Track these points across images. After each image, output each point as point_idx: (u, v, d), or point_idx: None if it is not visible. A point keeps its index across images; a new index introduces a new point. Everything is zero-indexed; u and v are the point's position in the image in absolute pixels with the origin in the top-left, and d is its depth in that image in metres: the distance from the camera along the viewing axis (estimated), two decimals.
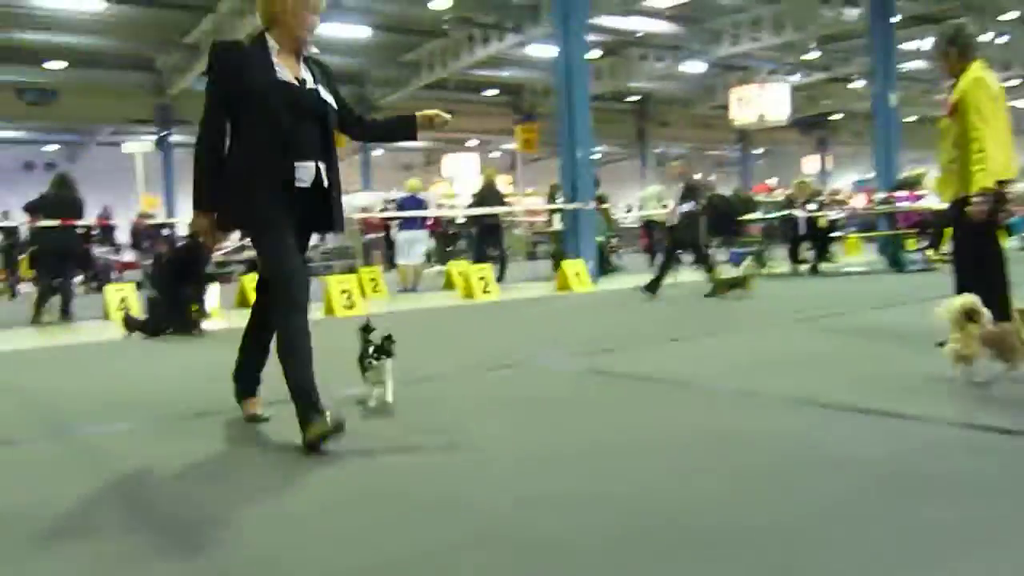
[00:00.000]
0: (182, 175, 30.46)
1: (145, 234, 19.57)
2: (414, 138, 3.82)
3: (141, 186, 25.19)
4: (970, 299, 3.92)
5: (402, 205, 13.46)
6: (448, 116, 3.77)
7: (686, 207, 10.11)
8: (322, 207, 3.51)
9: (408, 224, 13.17)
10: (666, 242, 11.33)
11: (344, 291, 9.65)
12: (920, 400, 3.69)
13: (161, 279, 8.40)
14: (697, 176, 10.35)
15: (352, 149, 29.20)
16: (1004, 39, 25.77)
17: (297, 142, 3.35)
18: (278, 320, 3.41)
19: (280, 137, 3.31)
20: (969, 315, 3.85)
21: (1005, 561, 1.98)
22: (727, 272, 10.75)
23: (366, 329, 4.08)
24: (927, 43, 25.57)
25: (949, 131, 4.78)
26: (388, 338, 3.97)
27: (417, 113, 3.78)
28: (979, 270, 4.69)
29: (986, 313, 3.86)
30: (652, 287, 9.85)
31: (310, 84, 3.46)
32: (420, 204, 13.34)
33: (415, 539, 2.31)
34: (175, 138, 27.85)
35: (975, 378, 3.89)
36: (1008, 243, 18.86)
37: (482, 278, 11.17)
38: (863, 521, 2.26)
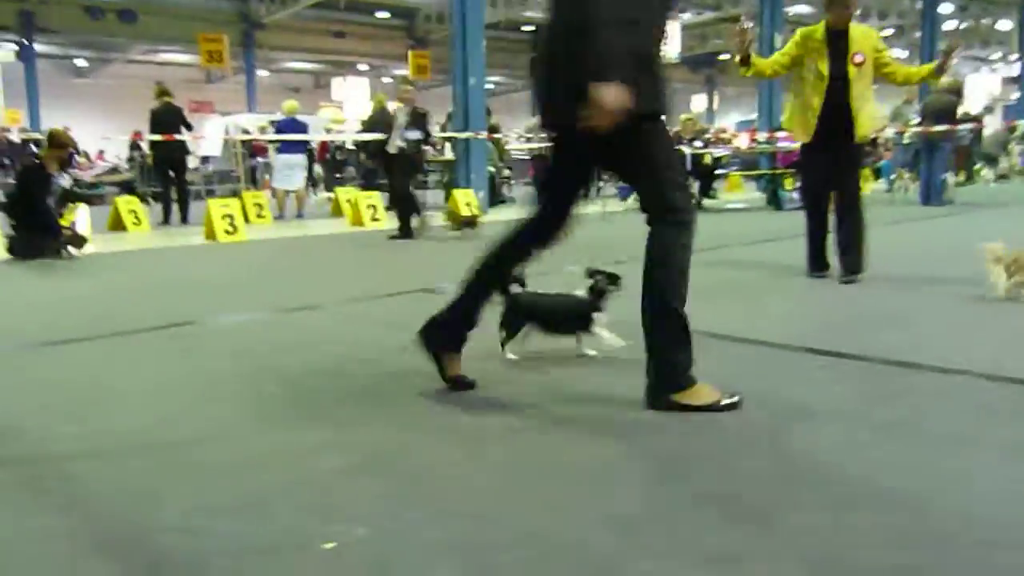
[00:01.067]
0: (47, 88, 28.48)
1: (4, 151, 18.26)
2: None
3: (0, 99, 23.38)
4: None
5: (280, 128, 12.94)
6: None
7: (410, 135, 9.08)
8: None
9: (286, 148, 12.71)
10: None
11: (226, 215, 9.32)
12: (769, 327, 3.88)
13: (14, 200, 7.91)
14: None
15: (235, 69, 27.86)
16: None
17: None
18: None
19: None
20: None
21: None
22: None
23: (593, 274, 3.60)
24: None
25: (859, 79, 5.13)
26: (612, 278, 3.56)
27: None
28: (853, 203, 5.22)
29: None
30: (403, 232, 9.04)
31: None
32: (300, 127, 12.87)
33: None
34: (39, 47, 25.86)
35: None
36: (876, 184, 19.88)
37: (371, 205, 10.98)
38: (742, 440, 2.38)
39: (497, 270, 3.05)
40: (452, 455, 2.36)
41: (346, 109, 27.74)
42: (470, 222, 9.14)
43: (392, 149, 9.13)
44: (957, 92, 12.87)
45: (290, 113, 12.80)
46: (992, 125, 20.00)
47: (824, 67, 5.15)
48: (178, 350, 3.88)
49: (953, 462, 2.21)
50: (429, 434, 2.54)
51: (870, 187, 18.94)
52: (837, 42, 5.14)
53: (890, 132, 15.73)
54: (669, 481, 2.15)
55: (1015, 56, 29.24)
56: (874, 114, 5.37)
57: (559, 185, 2.91)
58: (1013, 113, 24.51)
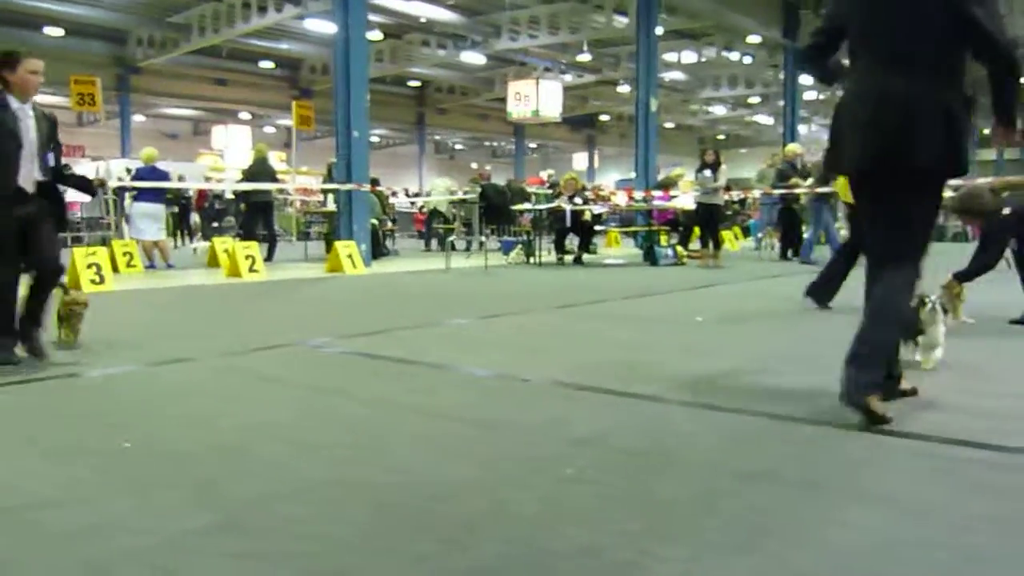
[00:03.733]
0: None
1: None
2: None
3: None
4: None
5: (139, 175, 12.29)
6: None
7: None
8: None
9: (144, 196, 12.15)
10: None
11: (92, 264, 8.89)
12: (653, 383, 3.99)
13: None
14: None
15: (109, 113, 26.86)
16: (748, 60, 28.40)
17: None
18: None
19: None
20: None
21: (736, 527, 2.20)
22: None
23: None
24: (685, 56, 27.69)
25: None
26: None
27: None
28: None
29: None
30: None
31: None
32: (159, 175, 12.35)
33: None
34: None
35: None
36: (745, 242, 20.78)
37: (249, 256, 10.71)
38: (608, 494, 2.42)
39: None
40: (310, 511, 2.30)
41: (227, 157, 27.15)
42: None
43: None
44: (797, 158, 13.90)
45: (148, 161, 12.22)
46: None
47: None
48: (38, 406, 3.65)
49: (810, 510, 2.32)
50: (292, 488, 2.47)
51: (739, 244, 19.90)
52: None
53: (756, 194, 16.60)
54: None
55: None
56: None
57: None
58: None
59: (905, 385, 3.50)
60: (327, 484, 2.54)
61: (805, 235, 13.29)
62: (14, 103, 4.49)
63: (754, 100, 34.84)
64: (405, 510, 2.32)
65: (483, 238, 13.73)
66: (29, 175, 4.49)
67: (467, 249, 15.99)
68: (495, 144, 49.37)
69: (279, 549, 2.05)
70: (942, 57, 3.06)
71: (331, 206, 13.79)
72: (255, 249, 10.99)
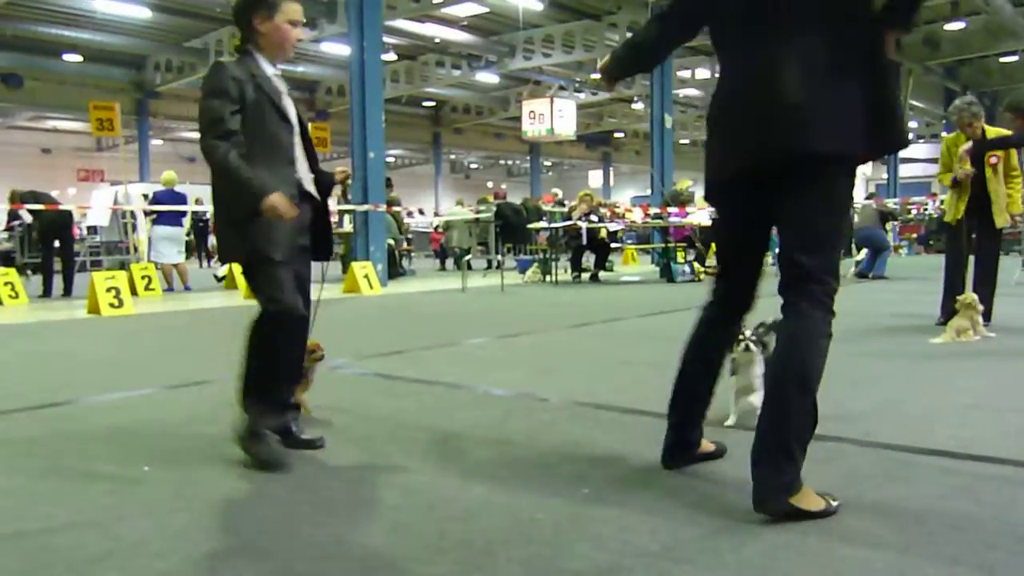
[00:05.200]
0: None
1: None
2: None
3: None
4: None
5: (157, 199, 12.41)
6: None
7: None
8: None
9: (163, 219, 12.29)
10: None
11: (111, 288, 8.96)
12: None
13: None
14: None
15: (128, 137, 27.21)
16: None
17: None
18: None
19: None
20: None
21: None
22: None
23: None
24: (700, 72, 27.75)
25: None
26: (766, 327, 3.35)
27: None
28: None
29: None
30: None
31: None
32: (178, 199, 12.49)
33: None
34: None
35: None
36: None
37: None
38: (626, 515, 2.40)
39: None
40: (329, 532, 2.29)
41: None
42: None
43: None
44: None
45: (168, 184, 12.38)
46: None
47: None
48: (51, 432, 3.67)
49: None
50: (310, 509, 2.47)
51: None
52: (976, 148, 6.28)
53: None
54: None
55: None
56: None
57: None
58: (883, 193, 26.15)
59: (708, 446, 2.91)
60: (345, 505, 2.54)
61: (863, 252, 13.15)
62: (267, 67, 3.20)
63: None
64: (421, 531, 2.31)
65: (499, 257, 13.74)
66: (305, 171, 3.25)
67: (487, 268, 15.99)
68: (511, 163, 49.56)
69: (297, 571, 2.04)
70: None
71: (347, 227, 13.86)
72: None
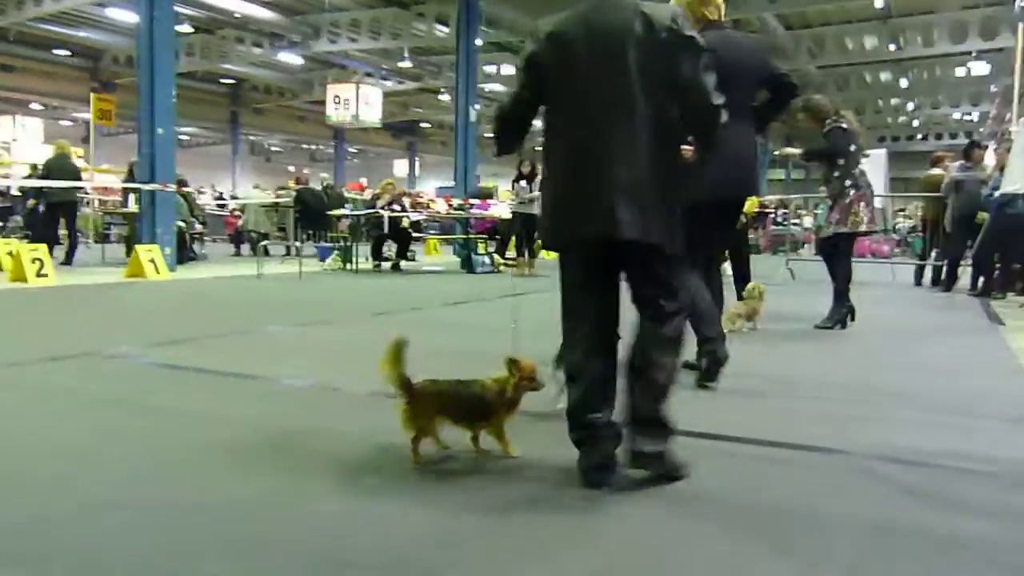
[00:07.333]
0: None
1: None
2: None
3: None
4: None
5: None
6: None
7: None
8: None
9: None
10: None
11: None
12: None
13: None
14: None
15: None
16: None
17: None
18: None
19: None
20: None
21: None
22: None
23: None
24: (504, 68, 28.32)
25: None
26: None
27: None
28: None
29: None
30: None
31: None
32: None
33: None
34: None
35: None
36: None
37: (36, 259, 9.85)
38: (406, 501, 2.42)
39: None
40: (93, 534, 2.15)
41: (14, 151, 24.80)
42: None
43: None
44: None
45: None
46: None
47: None
48: None
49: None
50: (74, 510, 2.31)
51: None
52: None
53: None
54: None
55: None
56: None
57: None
58: None
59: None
60: (114, 506, 2.39)
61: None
62: None
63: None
64: (199, 529, 2.22)
65: (298, 244, 13.38)
66: None
67: (286, 254, 15.51)
68: (314, 147, 48.24)
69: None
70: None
71: (132, 207, 12.95)
72: (44, 252, 10.12)
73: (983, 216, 9.77)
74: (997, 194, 9.39)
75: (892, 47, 23.52)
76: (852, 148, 6.62)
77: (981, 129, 33.03)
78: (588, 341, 2.70)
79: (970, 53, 23.63)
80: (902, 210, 26.11)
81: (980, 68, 26.01)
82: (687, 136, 2.78)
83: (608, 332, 2.73)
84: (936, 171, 11.54)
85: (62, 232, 13.07)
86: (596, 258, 2.70)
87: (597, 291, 2.73)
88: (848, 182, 6.56)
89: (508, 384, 2.79)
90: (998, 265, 10.09)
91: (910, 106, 34.96)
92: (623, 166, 2.56)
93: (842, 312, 6.68)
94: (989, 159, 11.06)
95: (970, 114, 34.24)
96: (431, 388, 2.79)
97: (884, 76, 28.56)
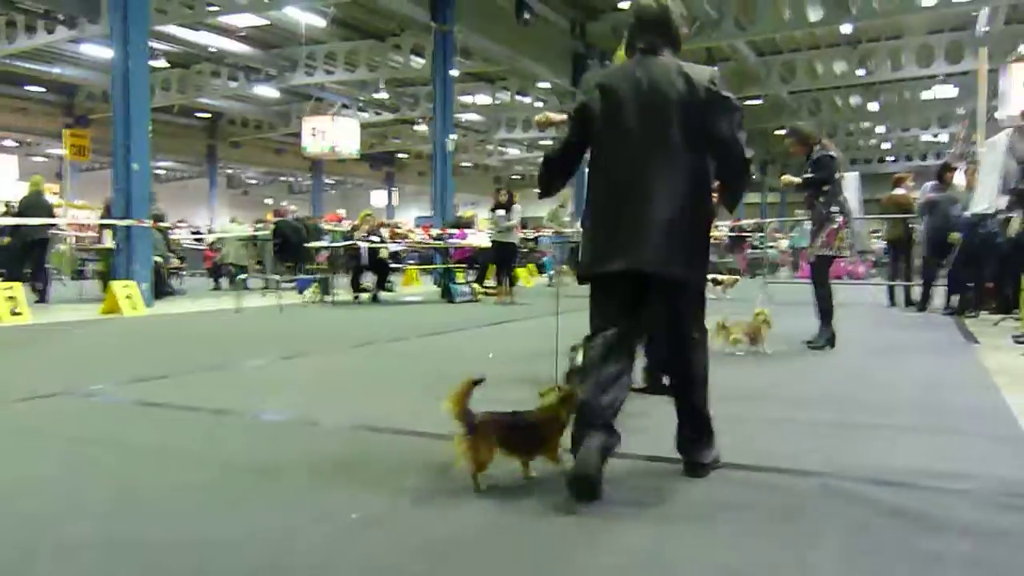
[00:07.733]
0: None
1: None
2: None
3: None
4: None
5: None
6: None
7: None
8: None
9: None
10: None
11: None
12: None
13: None
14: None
15: None
16: (540, 104, 29.59)
17: None
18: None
19: None
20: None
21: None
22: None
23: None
24: (480, 98, 28.49)
25: None
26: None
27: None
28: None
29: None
30: None
31: None
32: None
33: None
34: None
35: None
36: (540, 278, 21.47)
37: (11, 297, 9.74)
38: (392, 539, 2.40)
39: None
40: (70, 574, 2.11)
41: None
42: None
43: None
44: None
45: None
46: None
47: None
48: None
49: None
50: (50, 549, 2.26)
51: (534, 280, 20.57)
52: None
53: (548, 233, 17.30)
54: None
55: None
56: None
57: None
58: None
59: None
60: (91, 545, 2.35)
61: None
62: None
63: (546, 142, 36.31)
64: (176, 568, 2.19)
65: (277, 277, 13.32)
66: None
67: (265, 287, 15.45)
68: (292, 179, 48.23)
69: None
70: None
71: (109, 243, 12.85)
72: (18, 290, 10.01)
73: (956, 236, 9.91)
74: (967, 214, 9.55)
75: (861, 72, 23.94)
76: (837, 175, 6.84)
77: (950, 150, 33.60)
78: (606, 347, 2.90)
79: (937, 76, 24.10)
80: (876, 231, 26.44)
81: (947, 91, 26.54)
82: (717, 182, 3.08)
83: (627, 344, 2.97)
84: (899, 191, 11.71)
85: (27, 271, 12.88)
86: (624, 288, 2.96)
87: (625, 314, 2.97)
88: (834, 208, 6.77)
89: (560, 411, 2.92)
90: (970, 284, 10.22)
91: (880, 129, 35.56)
92: (658, 205, 2.85)
93: (830, 331, 6.84)
94: (959, 180, 11.24)
95: (938, 135, 34.82)
96: (491, 421, 2.86)
97: (854, 100, 29.02)
